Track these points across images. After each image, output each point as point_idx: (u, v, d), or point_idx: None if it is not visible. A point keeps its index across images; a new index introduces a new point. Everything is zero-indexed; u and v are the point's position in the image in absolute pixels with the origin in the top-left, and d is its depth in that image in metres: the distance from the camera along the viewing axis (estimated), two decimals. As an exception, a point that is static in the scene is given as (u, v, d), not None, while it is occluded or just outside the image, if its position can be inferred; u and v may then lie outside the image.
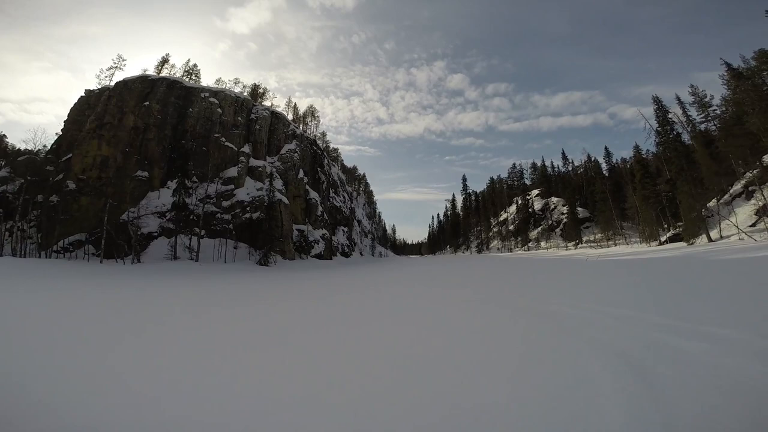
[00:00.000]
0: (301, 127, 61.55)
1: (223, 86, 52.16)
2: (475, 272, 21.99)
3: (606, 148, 69.62)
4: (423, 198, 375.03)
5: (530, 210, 75.52)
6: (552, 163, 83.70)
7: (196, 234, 31.36)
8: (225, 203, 36.86)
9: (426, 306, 9.16)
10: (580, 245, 55.27)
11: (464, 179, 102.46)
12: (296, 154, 47.92)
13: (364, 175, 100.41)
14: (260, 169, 41.85)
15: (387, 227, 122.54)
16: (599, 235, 53.20)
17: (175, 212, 32.43)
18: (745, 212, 29.30)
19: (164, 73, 47.70)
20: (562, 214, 66.02)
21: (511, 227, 78.50)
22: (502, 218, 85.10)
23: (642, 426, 2.66)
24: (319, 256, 43.35)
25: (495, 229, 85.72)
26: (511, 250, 71.80)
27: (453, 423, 2.85)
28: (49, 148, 37.59)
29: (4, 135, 48.60)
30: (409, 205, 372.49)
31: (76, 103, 39.46)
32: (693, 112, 42.19)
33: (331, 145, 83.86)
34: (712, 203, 32.97)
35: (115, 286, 14.68)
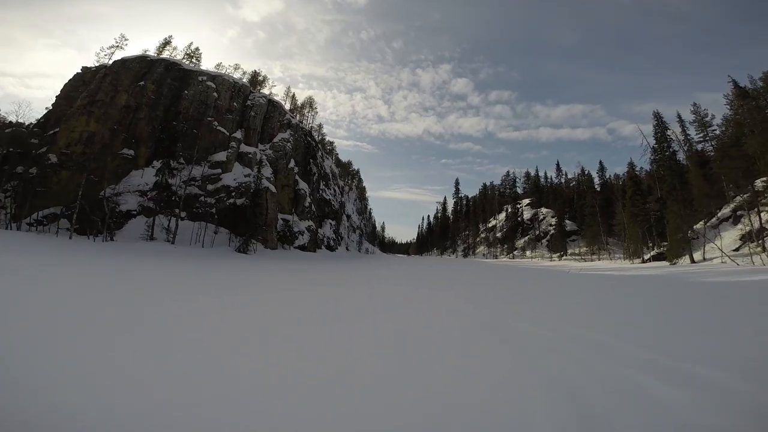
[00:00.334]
0: (298, 117, 60.80)
1: (224, 71, 51.25)
2: (454, 279, 21.69)
3: (600, 162, 70.05)
4: (416, 198, 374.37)
5: (519, 219, 75.81)
6: (546, 173, 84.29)
7: (176, 215, 30.59)
8: (210, 187, 36.13)
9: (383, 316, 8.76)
10: (564, 257, 55.49)
11: (457, 183, 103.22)
12: (289, 144, 47.21)
13: (358, 171, 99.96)
14: (250, 155, 41.14)
15: (377, 224, 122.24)
16: (584, 248, 53.37)
17: (157, 192, 31.60)
18: (730, 236, 29.28)
19: (165, 54, 46.76)
20: (550, 225, 66.23)
21: (498, 234, 78.70)
22: (490, 225, 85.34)
23: None
24: (302, 248, 42.73)
25: (483, 235, 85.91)
26: (496, 257, 72.01)
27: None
28: (36, 122, 36.54)
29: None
30: (403, 205, 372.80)
31: (70, 80, 38.49)
32: (692, 131, 42.46)
33: (327, 138, 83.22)
34: (699, 225, 32.93)
35: (58, 264, 13.61)
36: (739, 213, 30.70)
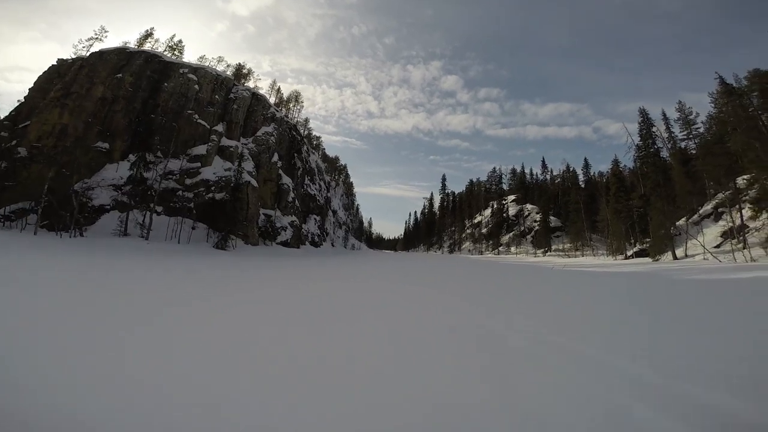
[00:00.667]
0: (283, 111, 59.65)
1: (207, 64, 49.79)
2: (438, 278, 21.32)
3: (585, 159, 70.74)
4: (404, 194, 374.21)
5: (504, 215, 76.05)
6: (532, 170, 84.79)
7: (151, 210, 29.52)
8: (189, 181, 35.01)
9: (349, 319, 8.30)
10: (548, 253, 55.75)
11: (444, 179, 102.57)
12: (273, 138, 46.17)
13: (345, 166, 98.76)
14: (231, 149, 40.05)
15: (365, 220, 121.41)
16: (568, 245, 53.72)
17: (132, 186, 30.48)
18: (712, 233, 29.51)
19: (146, 47, 45.11)
20: (535, 221, 66.53)
21: (484, 230, 78.81)
22: (476, 221, 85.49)
23: None
24: (285, 244, 41.89)
25: (468, 231, 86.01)
26: (481, 253, 72.20)
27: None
28: (7, 114, 34.93)
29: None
30: (391, 200, 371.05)
31: (45, 72, 36.60)
32: (677, 129, 42.95)
33: (314, 133, 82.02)
34: (681, 222, 33.16)
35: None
36: (720, 210, 30.93)
